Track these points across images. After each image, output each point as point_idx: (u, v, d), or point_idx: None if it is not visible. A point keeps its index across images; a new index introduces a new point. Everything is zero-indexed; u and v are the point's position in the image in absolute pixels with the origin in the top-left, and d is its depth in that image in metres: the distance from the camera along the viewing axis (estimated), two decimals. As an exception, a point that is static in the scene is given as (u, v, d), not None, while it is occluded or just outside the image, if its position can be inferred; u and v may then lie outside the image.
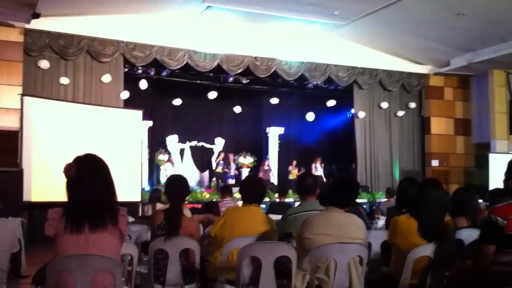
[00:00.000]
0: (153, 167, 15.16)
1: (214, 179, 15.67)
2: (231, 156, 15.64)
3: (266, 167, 15.83)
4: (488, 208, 4.48)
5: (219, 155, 15.50)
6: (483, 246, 3.48)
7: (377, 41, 14.16)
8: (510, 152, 13.74)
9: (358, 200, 8.39)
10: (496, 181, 8.26)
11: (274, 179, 15.95)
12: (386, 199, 10.76)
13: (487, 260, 3.43)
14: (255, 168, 16.20)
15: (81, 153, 3.03)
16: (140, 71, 13.43)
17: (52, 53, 11.86)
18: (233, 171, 15.56)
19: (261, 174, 15.34)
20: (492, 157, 13.68)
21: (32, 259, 6.89)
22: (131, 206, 10.52)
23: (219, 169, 15.25)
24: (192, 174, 15.39)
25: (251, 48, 13.55)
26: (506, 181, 3.74)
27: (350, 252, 3.59)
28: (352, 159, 15.67)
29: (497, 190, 5.85)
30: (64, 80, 11.94)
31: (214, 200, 11.06)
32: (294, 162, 15.92)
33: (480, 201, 6.14)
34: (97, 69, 12.41)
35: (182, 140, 15.91)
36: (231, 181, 14.95)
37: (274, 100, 15.72)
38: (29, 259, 7.01)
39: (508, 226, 3.36)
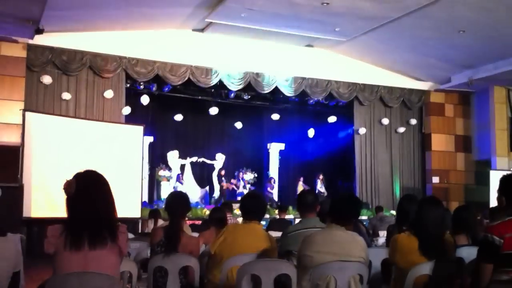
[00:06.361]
0: (154, 183, 15.14)
1: (214, 195, 15.67)
2: (240, 174, 15.73)
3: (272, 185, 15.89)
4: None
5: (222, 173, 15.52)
6: (480, 265, 3.45)
7: (378, 57, 14.23)
8: (511, 169, 13.69)
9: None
10: (497, 198, 8.24)
11: (274, 195, 15.92)
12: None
13: (485, 280, 3.40)
14: (256, 184, 16.19)
15: (82, 169, 3.03)
16: (141, 87, 13.47)
17: (54, 68, 11.91)
18: (241, 188, 15.59)
19: (269, 189, 15.42)
20: (493, 174, 13.62)
21: (31, 275, 6.85)
22: (130, 223, 10.51)
23: (228, 185, 15.27)
24: (192, 190, 15.36)
25: (252, 64, 13.62)
26: (499, 198, 3.71)
27: (351, 270, 3.57)
28: (352, 175, 15.64)
29: (497, 207, 5.84)
30: (66, 96, 11.98)
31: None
32: (301, 179, 15.91)
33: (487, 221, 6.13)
34: (99, 85, 12.45)
35: (182, 155, 15.89)
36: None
37: (275, 116, 15.71)
38: (28, 276, 6.97)
39: (505, 244, 3.31)
